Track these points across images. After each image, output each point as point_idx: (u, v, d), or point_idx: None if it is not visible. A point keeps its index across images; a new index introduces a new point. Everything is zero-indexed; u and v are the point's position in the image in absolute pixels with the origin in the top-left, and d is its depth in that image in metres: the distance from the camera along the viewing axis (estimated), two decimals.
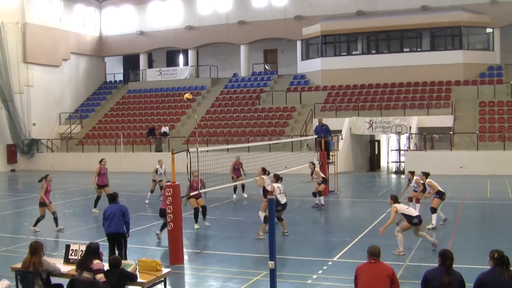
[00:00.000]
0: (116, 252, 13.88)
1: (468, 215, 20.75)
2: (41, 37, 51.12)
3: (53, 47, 52.88)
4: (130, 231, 14.51)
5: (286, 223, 18.42)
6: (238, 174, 27.06)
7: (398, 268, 13.30)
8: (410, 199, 20.76)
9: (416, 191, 20.33)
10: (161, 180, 25.79)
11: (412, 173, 20.76)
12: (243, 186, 27.51)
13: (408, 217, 15.36)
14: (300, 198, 26.28)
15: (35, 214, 20.31)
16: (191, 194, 18.48)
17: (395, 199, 15.78)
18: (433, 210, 18.72)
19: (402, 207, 15.61)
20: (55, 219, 19.88)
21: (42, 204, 19.76)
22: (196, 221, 19.61)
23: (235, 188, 27.13)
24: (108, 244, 14.20)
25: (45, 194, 19.63)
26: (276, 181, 18.90)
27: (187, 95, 17.08)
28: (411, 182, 20.70)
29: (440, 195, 18.87)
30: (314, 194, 24.22)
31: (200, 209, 19.88)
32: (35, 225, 19.81)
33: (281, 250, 13.81)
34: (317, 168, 25.12)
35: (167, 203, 14.91)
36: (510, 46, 46.12)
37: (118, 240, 14.12)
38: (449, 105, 41.48)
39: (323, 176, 24.70)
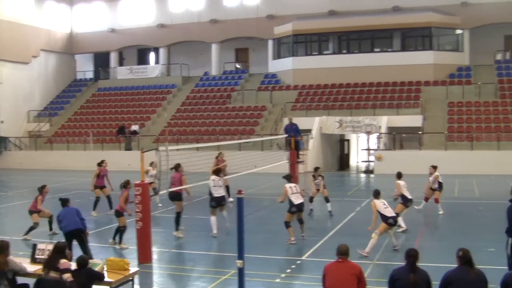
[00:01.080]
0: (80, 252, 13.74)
1: (436, 214, 20.91)
2: (10, 34, 50.53)
3: (23, 44, 52.29)
4: (92, 231, 14.42)
5: (305, 227, 17.62)
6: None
7: (366, 267, 13.36)
8: (426, 199, 22.00)
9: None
10: (152, 182, 24.99)
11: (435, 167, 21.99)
12: (227, 188, 24.43)
13: (383, 217, 15.38)
14: (270, 197, 26.27)
15: (3, 213, 20.04)
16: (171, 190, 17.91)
17: (375, 194, 15.90)
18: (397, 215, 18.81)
19: (380, 205, 15.58)
20: (50, 223, 18.99)
21: (33, 212, 18.86)
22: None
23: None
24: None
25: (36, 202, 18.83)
26: (289, 181, 17.77)
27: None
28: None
29: (405, 200, 18.50)
30: (311, 199, 23.27)
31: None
32: (26, 233, 18.53)
33: (249, 249, 13.77)
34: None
35: (136, 202, 14.87)
36: (479, 47, 46.64)
37: (78, 237, 14.06)
38: (418, 105, 41.84)
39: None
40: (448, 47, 48.22)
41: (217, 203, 17.86)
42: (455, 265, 8.58)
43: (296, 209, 16.95)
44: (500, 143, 36.72)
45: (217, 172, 18.70)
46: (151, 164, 23.84)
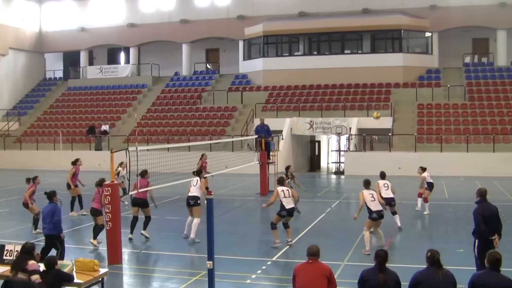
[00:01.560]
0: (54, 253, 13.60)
1: (405, 215, 21.06)
2: None
3: None
4: (64, 231, 14.25)
5: (291, 232, 16.94)
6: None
7: (336, 267, 13.42)
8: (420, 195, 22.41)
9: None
10: (122, 182, 24.72)
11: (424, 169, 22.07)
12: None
13: (368, 210, 15.60)
14: (240, 198, 26.30)
15: None
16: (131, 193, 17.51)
17: (366, 184, 16.09)
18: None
19: (367, 196, 15.76)
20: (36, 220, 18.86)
21: (26, 205, 18.97)
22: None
23: None
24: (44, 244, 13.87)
25: (30, 196, 18.85)
26: (281, 184, 17.10)
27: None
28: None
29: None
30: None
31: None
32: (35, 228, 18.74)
33: (220, 250, 13.78)
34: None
35: (106, 202, 14.77)
36: (448, 50, 47.18)
37: (52, 243, 13.87)
38: (388, 107, 42.13)
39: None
40: (417, 49, 48.63)
41: (289, 214, 16.80)
42: (424, 266, 8.66)
43: (287, 214, 16.53)
44: (468, 145, 37.10)
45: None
46: (121, 164, 23.70)
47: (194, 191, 17.78)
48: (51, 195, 14.29)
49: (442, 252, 8.73)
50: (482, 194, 12.20)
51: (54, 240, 13.83)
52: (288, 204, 16.52)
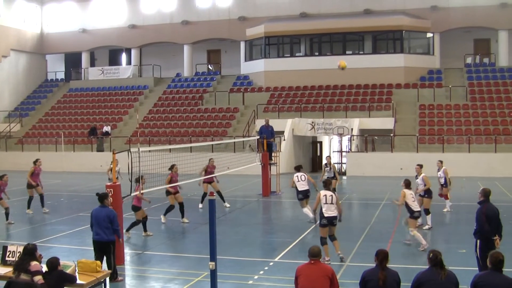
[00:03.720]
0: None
1: (406, 216, 21.05)
2: None
3: None
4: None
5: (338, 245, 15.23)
6: (211, 179, 24.12)
7: (338, 268, 13.44)
8: (441, 195, 21.98)
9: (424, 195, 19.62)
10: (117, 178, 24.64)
11: (421, 166, 20.38)
12: (220, 193, 24.49)
13: (410, 210, 16.07)
14: (242, 198, 26.31)
15: None
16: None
17: (407, 184, 16.36)
18: (427, 211, 19.13)
19: (409, 196, 16.13)
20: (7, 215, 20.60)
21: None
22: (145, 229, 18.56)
23: (204, 196, 24.27)
24: (94, 252, 13.16)
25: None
26: (326, 188, 15.01)
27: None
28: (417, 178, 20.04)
29: (430, 193, 19.42)
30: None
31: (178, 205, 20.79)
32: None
33: (222, 251, 13.80)
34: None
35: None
36: (449, 50, 47.22)
37: (107, 249, 12.96)
38: (390, 107, 42.14)
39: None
40: (419, 50, 48.63)
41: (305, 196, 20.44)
42: (426, 267, 8.67)
43: (327, 222, 14.68)
44: (470, 145, 37.10)
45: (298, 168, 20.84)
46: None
47: (304, 185, 20.31)
48: (102, 197, 13.35)
49: (443, 252, 8.75)
50: (486, 194, 12.23)
51: (110, 245, 12.97)
52: (328, 211, 14.67)
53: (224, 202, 23.98)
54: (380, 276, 8.50)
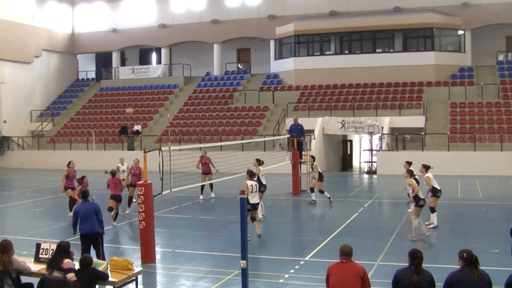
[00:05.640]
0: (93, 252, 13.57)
1: (438, 215, 20.81)
2: (12, 33, 50.46)
3: (24, 44, 52.29)
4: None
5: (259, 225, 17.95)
6: (207, 171, 26.20)
7: (369, 267, 13.37)
8: None
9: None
10: (123, 179, 24.80)
11: (409, 163, 19.39)
12: (211, 185, 26.70)
13: (417, 198, 16.98)
14: (272, 197, 26.29)
15: (5, 213, 20.08)
16: None
17: (426, 169, 18.01)
18: (432, 210, 18.89)
19: (432, 179, 17.92)
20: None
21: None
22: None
23: (202, 187, 26.15)
24: (81, 245, 13.70)
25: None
26: (250, 178, 17.85)
27: (129, 110, 18.42)
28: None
29: (435, 192, 18.77)
30: (312, 189, 24.50)
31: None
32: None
33: (253, 250, 13.82)
34: (316, 162, 24.92)
35: (139, 202, 14.86)
36: (480, 48, 46.69)
37: (94, 240, 13.60)
38: (420, 105, 41.82)
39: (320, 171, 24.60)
40: (449, 47, 48.20)
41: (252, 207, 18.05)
42: (457, 266, 8.60)
43: (250, 207, 17.42)
44: (502, 144, 36.68)
45: (252, 174, 18.60)
46: (121, 160, 26.05)
47: (255, 199, 18.06)
48: (86, 194, 13.97)
49: (476, 252, 8.67)
50: None
51: (97, 237, 13.57)
52: (254, 198, 17.65)
53: (211, 191, 26.89)
54: (413, 281, 8.44)
